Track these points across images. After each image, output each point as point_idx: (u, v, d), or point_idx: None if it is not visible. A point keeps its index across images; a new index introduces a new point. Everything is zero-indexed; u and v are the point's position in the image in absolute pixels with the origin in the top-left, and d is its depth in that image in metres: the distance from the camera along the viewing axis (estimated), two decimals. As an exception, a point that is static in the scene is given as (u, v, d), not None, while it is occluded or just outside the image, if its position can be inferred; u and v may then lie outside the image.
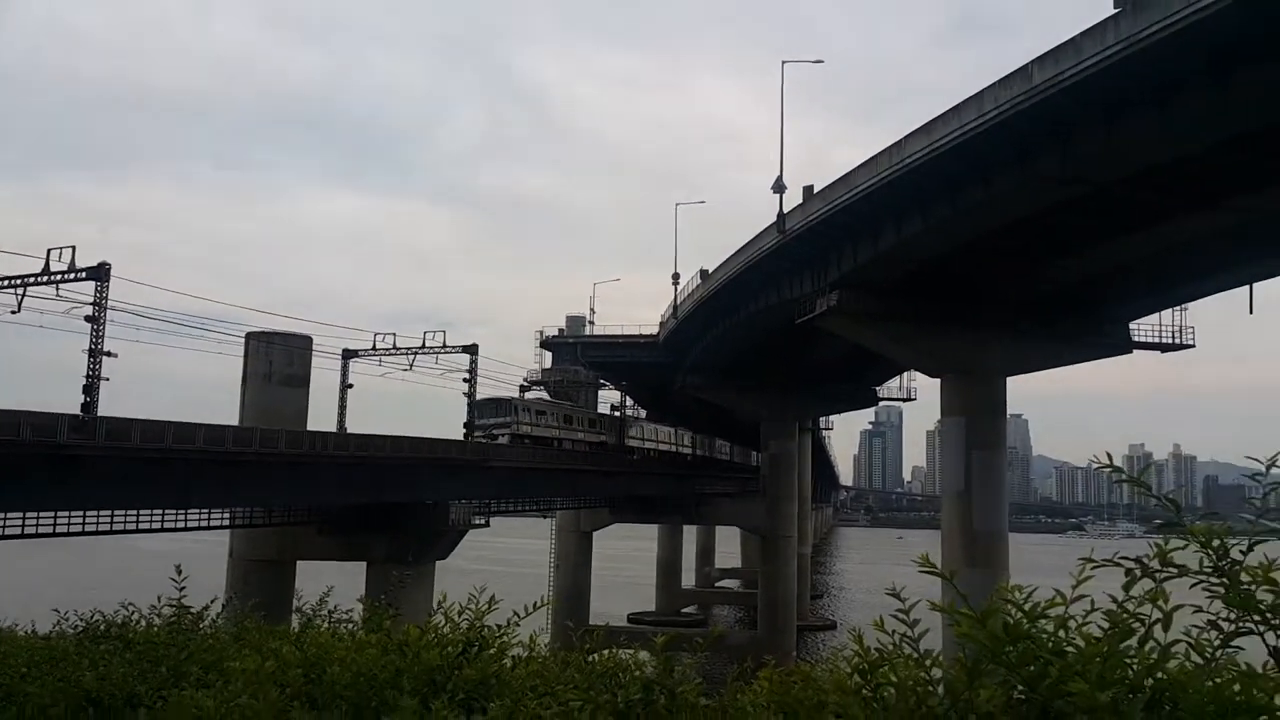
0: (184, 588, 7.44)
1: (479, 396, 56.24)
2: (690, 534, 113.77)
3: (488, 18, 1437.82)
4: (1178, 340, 50.75)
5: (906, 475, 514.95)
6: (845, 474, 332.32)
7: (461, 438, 48.38)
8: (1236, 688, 1.99)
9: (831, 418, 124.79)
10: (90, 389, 31.82)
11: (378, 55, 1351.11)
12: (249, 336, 45.24)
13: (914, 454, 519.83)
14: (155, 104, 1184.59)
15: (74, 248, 33.49)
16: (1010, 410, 51.05)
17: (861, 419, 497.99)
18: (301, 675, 4.32)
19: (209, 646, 6.24)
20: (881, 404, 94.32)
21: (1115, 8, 26.79)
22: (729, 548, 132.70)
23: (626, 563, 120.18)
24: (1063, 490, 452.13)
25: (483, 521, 48.59)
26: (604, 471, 65.14)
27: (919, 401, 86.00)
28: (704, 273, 63.57)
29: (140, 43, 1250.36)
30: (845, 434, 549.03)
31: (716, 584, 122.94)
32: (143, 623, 7.46)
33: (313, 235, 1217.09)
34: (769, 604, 75.89)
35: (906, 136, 35.84)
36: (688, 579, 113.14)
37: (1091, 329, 48.76)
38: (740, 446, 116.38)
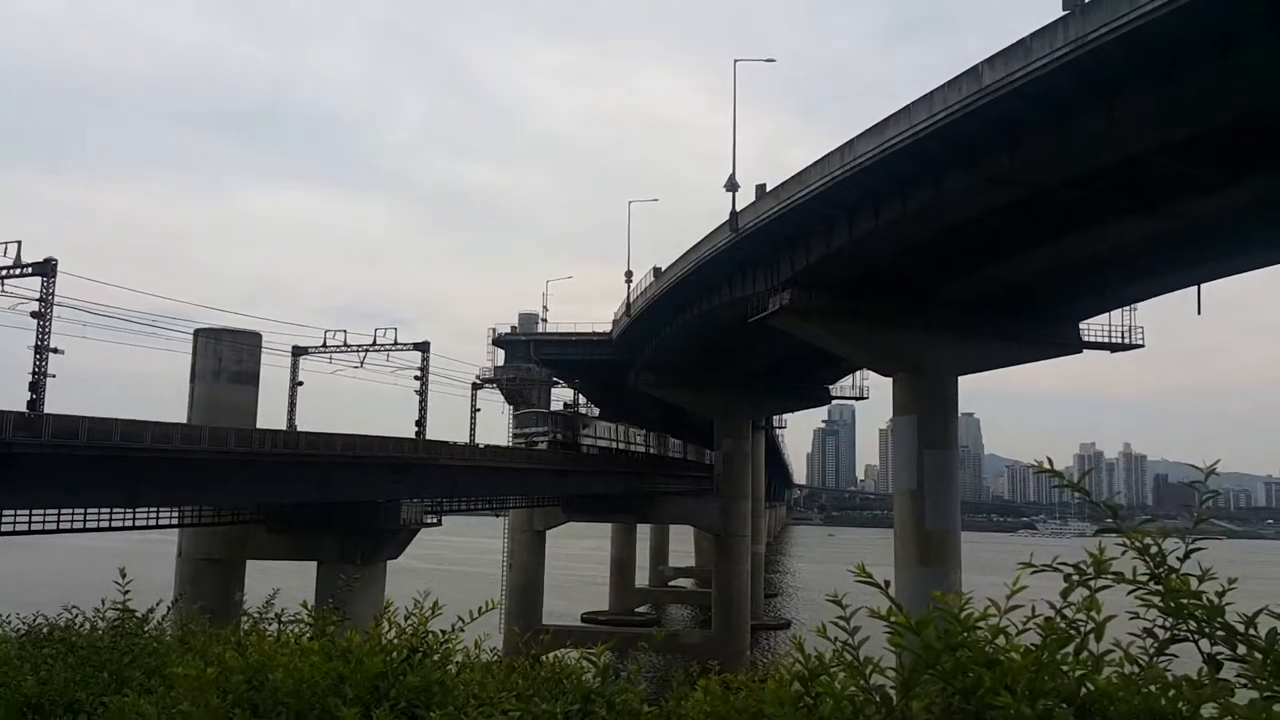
0: (128, 590, 7.32)
1: (523, 409, 71.87)
2: (644, 533, 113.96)
3: (433, 9, 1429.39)
4: (1127, 340, 51.52)
5: (860, 474, 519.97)
6: (799, 472, 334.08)
7: (413, 435, 47.98)
8: (1164, 700, 2.01)
9: (785, 416, 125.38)
10: (36, 386, 31.24)
11: (320, 46, 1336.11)
12: (198, 333, 44.67)
13: (867, 452, 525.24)
14: (89, 93, 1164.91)
15: (19, 242, 32.89)
16: (962, 409, 51.69)
17: (815, 417, 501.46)
18: (244, 682, 4.26)
19: (153, 651, 6.14)
20: (835, 403, 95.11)
21: (1064, 9, 27.21)
22: (683, 546, 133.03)
23: (580, 562, 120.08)
24: (1015, 489, 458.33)
25: (434, 520, 48.25)
26: (557, 470, 64.95)
27: (872, 400, 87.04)
28: (657, 270, 63.62)
29: (75, 30, 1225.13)
30: (799, 432, 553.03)
31: (670, 583, 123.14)
32: (86, 626, 7.33)
33: (259, 230, 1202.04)
34: (723, 603, 76.11)
35: (858, 136, 36.13)
36: (642, 578, 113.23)
37: (1042, 328, 49.46)
38: (694, 445, 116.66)
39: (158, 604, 8.59)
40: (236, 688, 4.19)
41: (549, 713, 2.97)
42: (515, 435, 68.62)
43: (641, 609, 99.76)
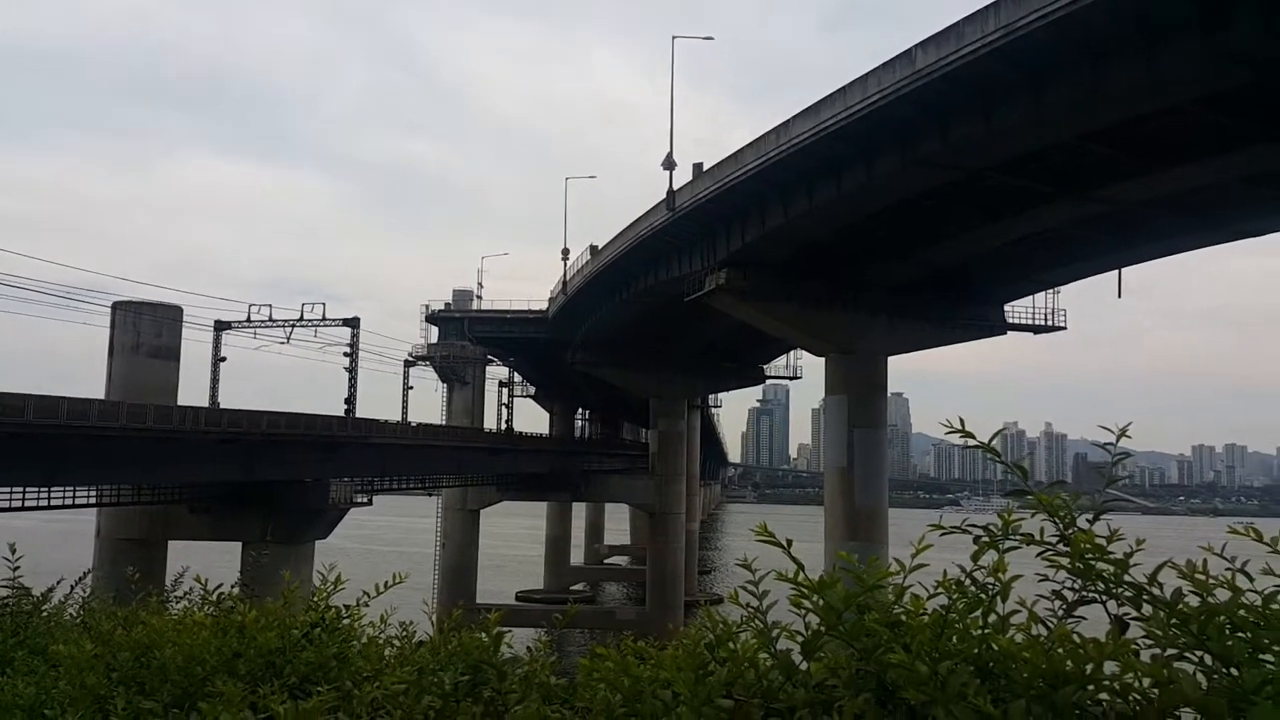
0: (18, 568, 7.03)
1: None
2: (580, 511, 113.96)
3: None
4: (1050, 322, 52.77)
5: (793, 452, 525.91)
6: (733, 451, 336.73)
7: (343, 413, 47.26)
8: (1068, 661, 1.95)
9: (720, 395, 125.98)
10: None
11: (262, 15, 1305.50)
12: (115, 306, 43.45)
13: (800, 431, 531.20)
14: (25, 62, 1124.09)
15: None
16: (891, 389, 52.45)
17: (750, 397, 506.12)
18: (132, 659, 4.06)
19: (45, 631, 5.87)
20: (769, 382, 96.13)
21: (997, -5, 27.45)
22: (619, 525, 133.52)
23: (515, 541, 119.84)
24: (941, 467, 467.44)
25: (365, 500, 47.65)
26: (491, 449, 64.62)
27: (805, 380, 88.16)
28: (594, 249, 63.34)
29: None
30: (734, 412, 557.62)
31: (606, 561, 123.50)
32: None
33: (189, 202, 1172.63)
34: (657, 580, 76.61)
35: (793, 117, 36.22)
36: (577, 556, 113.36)
37: (968, 311, 50.35)
38: (630, 424, 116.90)
39: (58, 583, 8.27)
40: (124, 665, 3.99)
41: (437, 683, 2.85)
42: None
43: (577, 587, 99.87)
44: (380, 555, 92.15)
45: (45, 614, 6.95)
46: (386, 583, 4.37)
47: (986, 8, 27.55)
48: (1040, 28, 25.88)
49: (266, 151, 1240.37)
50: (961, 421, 2.68)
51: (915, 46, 30.27)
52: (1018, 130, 30.54)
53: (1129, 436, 2.66)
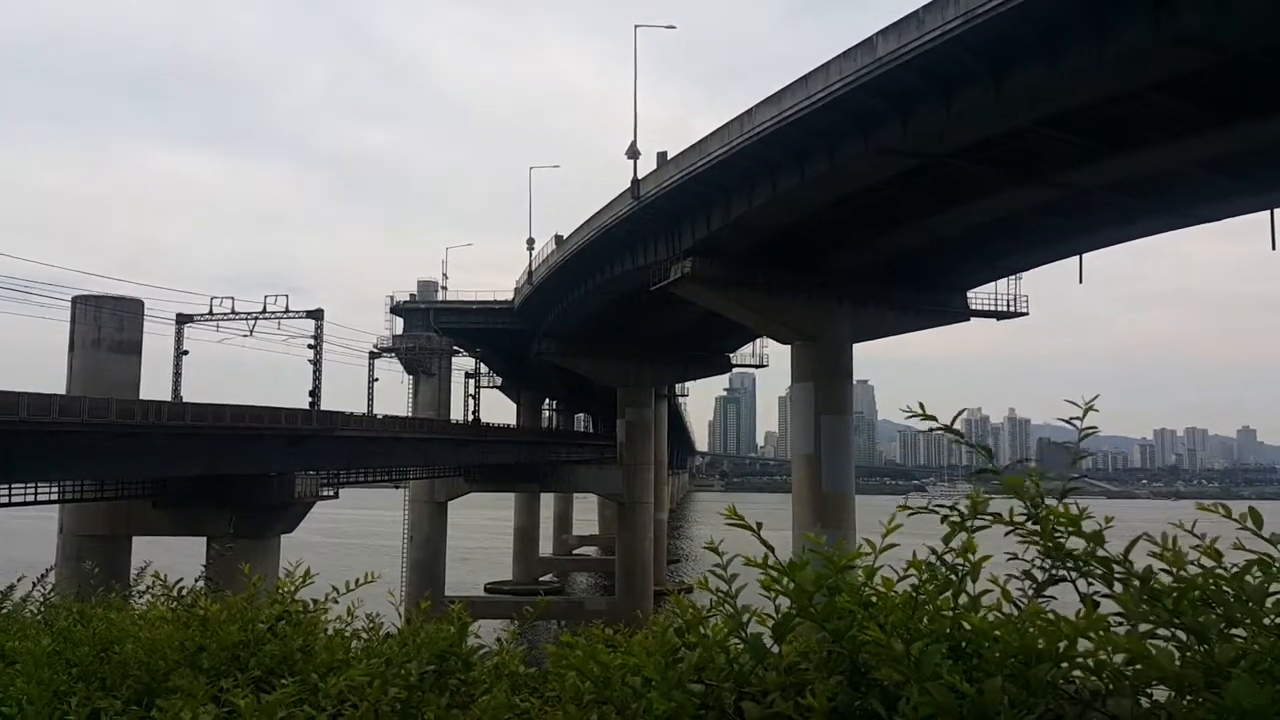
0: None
1: None
2: (548, 502, 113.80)
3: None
4: (1012, 309, 53.33)
5: (760, 440, 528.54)
6: (701, 440, 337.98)
7: (308, 406, 46.82)
8: (1041, 642, 1.95)
9: (687, 384, 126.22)
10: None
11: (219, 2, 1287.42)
12: (76, 300, 42.85)
13: (767, 419, 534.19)
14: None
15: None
16: (857, 376, 52.79)
17: (716, 385, 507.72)
18: (91, 654, 3.98)
19: (2, 629, 5.74)
20: (735, 370, 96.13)
21: (956, -19, 27.58)
22: (587, 515, 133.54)
23: (484, 533, 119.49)
24: (906, 453, 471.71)
25: (331, 493, 47.28)
26: (458, 440, 64.34)
27: (771, 368, 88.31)
28: (559, 238, 63.13)
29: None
30: (701, 400, 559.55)
31: (574, 551, 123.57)
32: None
33: (146, 194, 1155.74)
34: (626, 569, 76.75)
35: (756, 106, 36.26)
36: (546, 547, 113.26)
37: (932, 297, 50.73)
38: (598, 414, 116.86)
39: (18, 580, 8.13)
40: (83, 660, 3.92)
41: (403, 674, 2.81)
42: None
43: (546, 578, 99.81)
44: (347, 549, 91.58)
45: (5, 611, 6.83)
46: (358, 580, 4.30)
47: (947, -6, 27.68)
48: (1000, 14, 26.04)
49: (228, 141, 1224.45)
50: (922, 406, 2.66)
51: (876, 34, 30.36)
52: (978, 116, 30.73)
53: (1096, 409, 2.66)
